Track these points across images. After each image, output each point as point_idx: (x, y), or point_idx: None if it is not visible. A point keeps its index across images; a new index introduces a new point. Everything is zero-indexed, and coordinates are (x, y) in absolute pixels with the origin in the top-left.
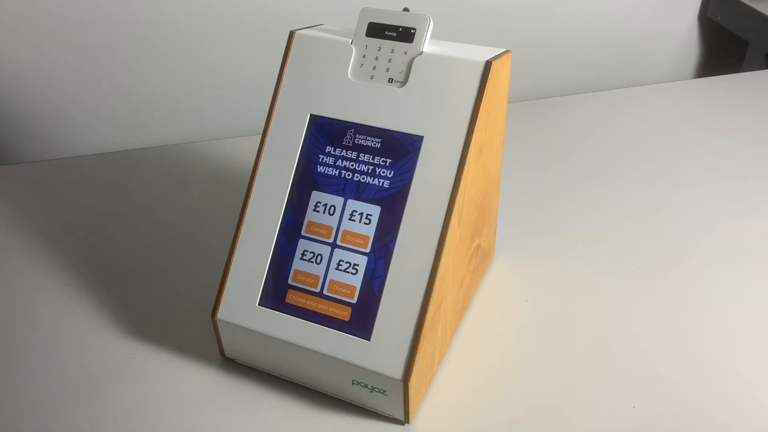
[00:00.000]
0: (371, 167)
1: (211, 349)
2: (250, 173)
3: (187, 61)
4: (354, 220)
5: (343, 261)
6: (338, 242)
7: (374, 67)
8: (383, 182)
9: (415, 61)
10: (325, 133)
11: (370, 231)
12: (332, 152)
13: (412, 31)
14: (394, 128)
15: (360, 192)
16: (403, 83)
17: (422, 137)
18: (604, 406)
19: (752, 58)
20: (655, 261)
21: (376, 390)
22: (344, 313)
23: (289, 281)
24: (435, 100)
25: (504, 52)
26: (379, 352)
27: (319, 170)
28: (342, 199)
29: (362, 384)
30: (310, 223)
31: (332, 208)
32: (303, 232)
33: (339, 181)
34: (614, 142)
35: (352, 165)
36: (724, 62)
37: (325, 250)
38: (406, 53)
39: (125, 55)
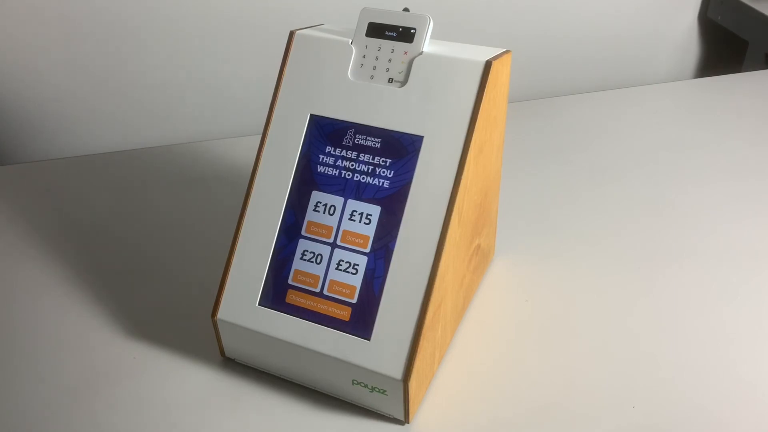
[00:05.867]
0: (371, 167)
1: (211, 349)
2: (250, 173)
3: (187, 60)
4: (354, 220)
5: (343, 261)
6: (338, 242)
7: (374, 67)
8: (383, 182)
9: (415, 61)
10: (325, 133)
11: (370, 231)
12: (332, 152)
13: (412, 31)
14: (394, 128)
15: (360, 192)
16: (403, 83)
17: (422, 137)
18: (604, 406)
19: (752, 58)
20: (655, 261)
21: (376, 390)
22: (344, 313)
23: (289, 281)
24: (435, 100)
25: (504, 52)
26: (379, 352)
27: (319, 170)
28: (342, 199)
29: (362, 384)
30: (310, 223)
31: (332, 208)
32: (303, 232)
33: (339, 181)
34: (614, 142)
35: (352, 165)
36: (724, 62)
37: (325, 250)
38: (406, 53)
39: (125, 55)
